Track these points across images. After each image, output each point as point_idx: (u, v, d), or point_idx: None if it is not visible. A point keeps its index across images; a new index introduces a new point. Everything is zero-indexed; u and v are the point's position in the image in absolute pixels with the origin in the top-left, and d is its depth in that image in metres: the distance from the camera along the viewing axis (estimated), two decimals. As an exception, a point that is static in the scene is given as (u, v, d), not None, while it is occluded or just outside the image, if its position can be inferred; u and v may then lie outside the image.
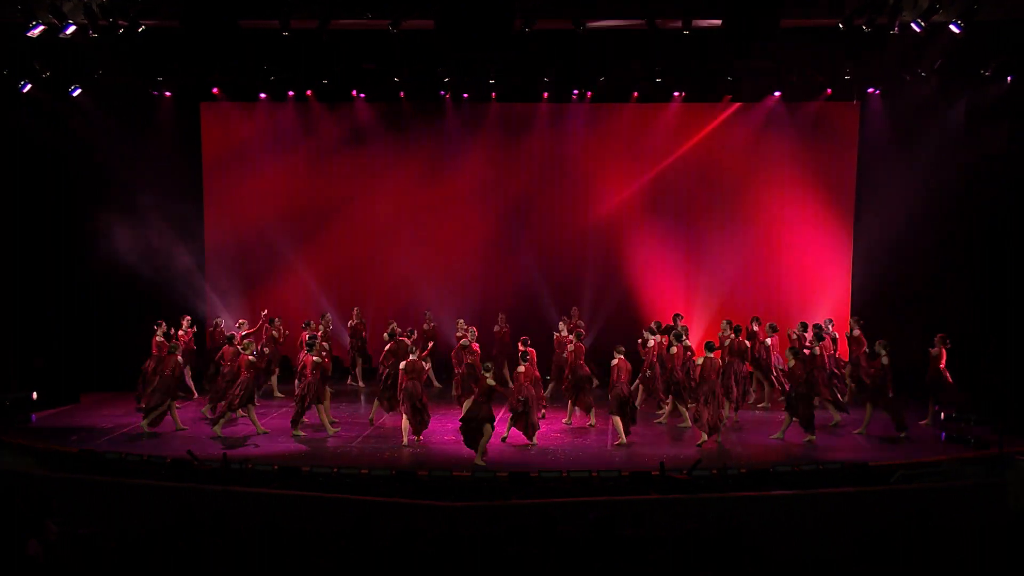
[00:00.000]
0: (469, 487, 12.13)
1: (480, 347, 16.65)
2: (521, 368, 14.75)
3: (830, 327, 17.10)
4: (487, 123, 20.15)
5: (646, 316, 18.60)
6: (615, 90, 18.59)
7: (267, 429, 15.45)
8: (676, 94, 19.04)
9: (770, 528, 10.07)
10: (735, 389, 15.84)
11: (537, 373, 15.23)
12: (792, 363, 15.00)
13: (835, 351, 17.02)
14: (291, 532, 8.43)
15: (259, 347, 17.00)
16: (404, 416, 14.71)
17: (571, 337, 16.24)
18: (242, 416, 15.77)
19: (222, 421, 15.37)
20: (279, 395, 18.01)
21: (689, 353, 15.90)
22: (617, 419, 14.80)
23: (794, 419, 14.90)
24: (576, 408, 15.89)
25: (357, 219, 20.35)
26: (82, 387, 17.92)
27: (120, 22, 14.69)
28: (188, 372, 17.45)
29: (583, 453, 14.43)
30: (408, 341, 15.53)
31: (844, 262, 19.62)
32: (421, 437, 14.79)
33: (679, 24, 14.80)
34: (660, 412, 16.47)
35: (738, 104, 19.48)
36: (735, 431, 15.61)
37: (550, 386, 17.09)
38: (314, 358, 15.09)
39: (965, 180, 17.17)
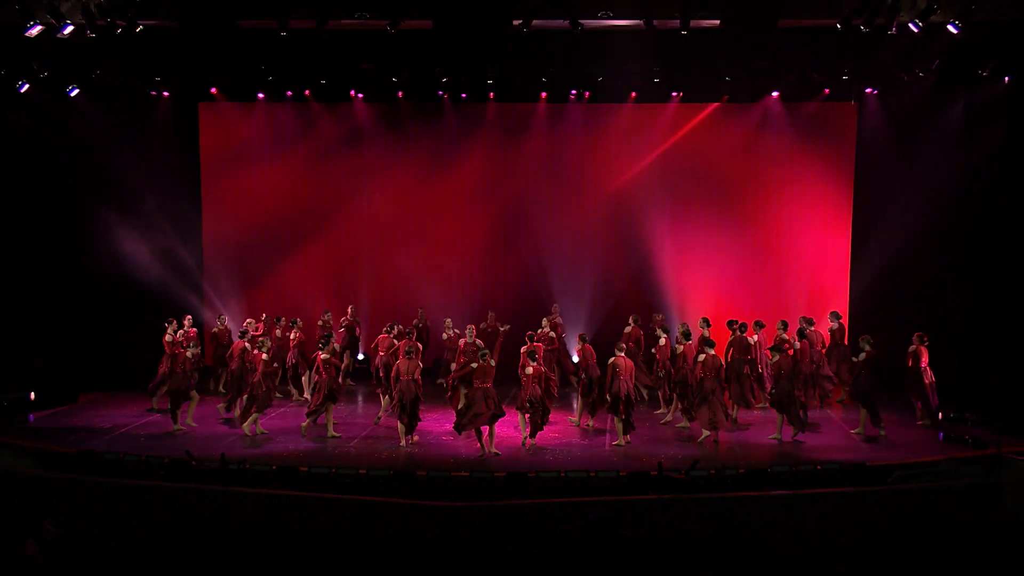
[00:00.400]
0: (468, 487, 12.14)
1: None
2: (529, 369, 14.63)
3: (809, 326, 16.97)
4: (485, 123, 20.16)
5: (644, 314, 18.60)
6: (613, 90, 18.58)
7: (265, 430, 15.45)
8: (674, 94, 19.05)
9: (769, 528, 10.08)
10: (745, 388, 16.06)
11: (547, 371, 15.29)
12: (776, 359, 15.05)
13: (823, 348, 17.02)
14: (290, 532, 8.44)
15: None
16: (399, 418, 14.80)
17: (552, 334, 16.34)
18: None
19: (254, 418, 15.33)
20: (277, 395, 17.98)
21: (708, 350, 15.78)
22: (616, 419, 14.81)
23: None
24: (585, 408, 15.86)
25: (356, 219, 20.37)
26: (80, 387, 17.91)
27: (118, 22, 14.69)
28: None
29: (582, 453, 14.44)
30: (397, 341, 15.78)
31: (842, 262, 19.63)
32: (416, 436, 14.82)
33: (677, 24, 14.82)
34: (663, 411, 16.55)
35: (736, 104, 19.49)
36: (742, 429, 15.70)
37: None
38: (325, 356, 15.11)
39: (964, 180, 17.18)
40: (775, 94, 19.05)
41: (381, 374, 16.67)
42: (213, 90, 19.17)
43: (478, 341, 16.32)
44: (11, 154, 17.36)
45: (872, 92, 18.52)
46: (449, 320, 18.32)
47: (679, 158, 19.91)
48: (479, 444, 14.24)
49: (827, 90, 18.32)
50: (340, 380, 16.09)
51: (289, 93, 19.21)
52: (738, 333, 16.37)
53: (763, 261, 19.87)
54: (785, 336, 16.23)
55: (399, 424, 14.74)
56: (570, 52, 16.53)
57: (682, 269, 19.88)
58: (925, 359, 15.49)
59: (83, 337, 18.30)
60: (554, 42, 16.28)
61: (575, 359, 19.40)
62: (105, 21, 14.62)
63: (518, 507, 10.86)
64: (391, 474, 12.40)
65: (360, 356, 19.47)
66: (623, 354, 14.99)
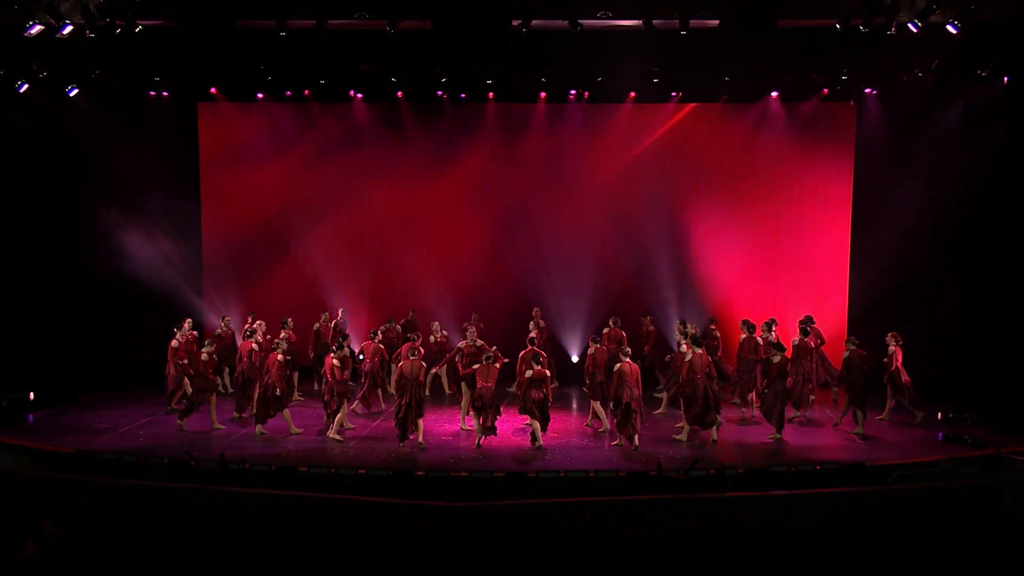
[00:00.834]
0: (468, 487, 12.14)
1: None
2: (529, 373, 14.58)
3: (773, 328, 16.85)
4: (485, 123, 20.14)
5: (638, 315, 18.65)
6: (612, 90, 18.59)
7: (265, 430, 15.44)
8: (673, 94, 19.05)
9: (768, 528, 10.10)
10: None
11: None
12: (777, 359, 15.07)
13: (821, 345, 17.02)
14: (290, 532, 8.45)
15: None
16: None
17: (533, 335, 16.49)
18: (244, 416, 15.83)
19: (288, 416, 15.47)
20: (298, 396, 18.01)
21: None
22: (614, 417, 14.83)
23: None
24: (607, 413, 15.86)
25: (355, 219, 20.35)
26: (80, 387, 17.91)
27: (118, 22, 14.68)
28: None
29: (581, 453, 14.44)
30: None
31: (842, 262, 19.62)
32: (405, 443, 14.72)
33: (676, 24, 14.82)
34: (663, 412, 16.63)
35: (736, 104, 19.49)
36: (750, 424, 15.79)
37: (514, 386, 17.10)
38: (334, 361, 15.09)
39: (963, 180, 17.17)
40: (774, 94, 19.05)
41: (364, 380, 16.68)
42: (213, 90, 19.16)
43: (479, 342, 16.32)
44: (11, 154, 17.38)
45: (871, 92, 18.51)
46: (437, 324, 18.35)
47: (679, 158, 19.90)
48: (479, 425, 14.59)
49: (826, 90, 18.31)
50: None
51: (288, 93, 19.18)
52: (747, 333, 16.43)
53: (762, 261, 19.84)
54: (774, 337, 16.25)
55: (399, 426, 14.70)
56: (569, 52, 16.54)
57: (681, 269, 19.88)
58: (899, 359, 15.52)
59: (82, 337, 18.30)
60: (553, 42, 16.28)
61: (574, 359, 19.51)
62: (104, 21, 14.61)
63: (518, 507, 10.87)
64: (390, 474, 12.41)
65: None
66: (628, 359, 14.93)
